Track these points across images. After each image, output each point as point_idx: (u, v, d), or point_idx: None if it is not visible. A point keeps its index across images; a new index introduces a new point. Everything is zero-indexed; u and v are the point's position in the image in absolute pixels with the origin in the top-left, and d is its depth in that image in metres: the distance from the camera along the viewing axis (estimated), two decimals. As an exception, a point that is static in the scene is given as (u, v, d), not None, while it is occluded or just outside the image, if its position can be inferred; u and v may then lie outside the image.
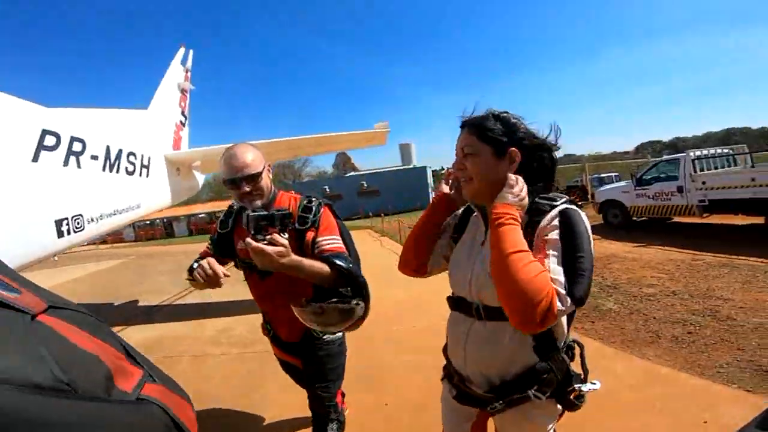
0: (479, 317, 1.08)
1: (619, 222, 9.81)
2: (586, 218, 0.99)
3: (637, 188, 9.28)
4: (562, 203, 1.01)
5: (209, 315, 5.65)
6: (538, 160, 1.08)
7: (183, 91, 7.41)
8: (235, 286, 2.19)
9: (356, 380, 2.77)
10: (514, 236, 0.95)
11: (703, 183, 8.07)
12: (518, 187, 1.01)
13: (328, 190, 26.88)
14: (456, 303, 1.17)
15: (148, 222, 30.71)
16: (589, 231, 0.98)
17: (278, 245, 1.29)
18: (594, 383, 1.11)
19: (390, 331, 4.13)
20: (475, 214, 1.22)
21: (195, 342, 4.71)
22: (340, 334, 1.75)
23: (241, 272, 1.74)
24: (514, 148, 1.05)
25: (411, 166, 29.65)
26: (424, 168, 28.27)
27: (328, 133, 6.03)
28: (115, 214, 4.44)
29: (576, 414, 1.14)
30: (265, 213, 1.32)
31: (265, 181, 1.55)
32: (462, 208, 1.29)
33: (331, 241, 1.54)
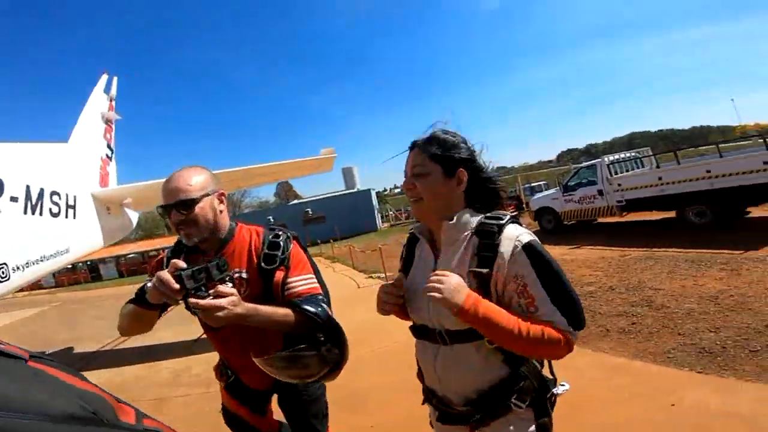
0: (444, 342, 1.07)
1: (552, 227, 10.59)
2: (533, 236, 1.03)
3: (564, 195, 10.13)
4: (507, 221, 1.03)
5: (160, 357, 5.19)
6: (481, 180, 1.11)
7: (108, 121, 6.84)
8: (183, 324, 2.05)
9: (335, 405, 2.69)
10: (498, 317, 0.96)
11: (619, 185, 9.01)
12: (449, 280, 0.98)
13: (272, 219, 26.12)
14: (419, 331, 1.16)
15: (69, 266, 27.59)
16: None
17: (226, 295, 1.14)
18: (563, 384, 1.14)
19: (358, 354, 4.05)
20: (420, 242, 1.21)
21: (151, 385, 4.35)
22: None
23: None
24: (461, 169, 1.07)
25: (355, 190, 29.82)
26: (368, 191, 28.53)
27: (272, 162, 5.92)
28: (42, 261, 3.98)
29: (555, 417, 1.14)
30: (197, 267, 1.14)
31: (205, 211, 1.30)
32: (406, 239, 1.29)
33: (305, 282, 1.36)
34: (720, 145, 8.13)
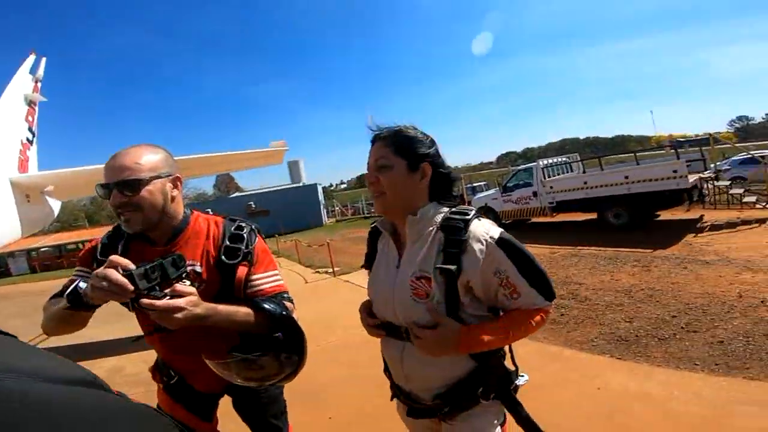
0: (409, 339, 1.05)
1: (493, 225, 11.17)
2: (499, 228, 1.05)
3: (503, 195, 10.73)
4: (473, 216, 1.04)
5: (90, 356, 4.76)
6: (443, 175, 1.11)
7: (31, 103, 6.14)
8: (114, 321, 1.93)
9: (290, 400, 2.70)
10: (490, 337, 1.00)
11: (551, 187, 9.70)
12: (433, 337, 0.99)
13: (212, 212, 24.77)
14: (384, 328, 1.13)
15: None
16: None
17: (184, 295, 1.02)
18: (523, 375, 1.16)
19: (310, 349, 4.03)
20: (383, 236, 1.19)
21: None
22: None
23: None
24: (426, 163, 1.06)
25: (301, 184, 29.13)
26: (314, 185, 27.96)
27: (217, 152, 5.65)
28: (-50, 252, 3.49)
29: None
30: (150, 265, 1.00)
31: (153, 196, 1.13)
32: (369, 233, 1.27)
33: (271, 279, 1.27)
34: (637, 154, 9.09)
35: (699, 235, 7.03)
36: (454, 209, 1.07)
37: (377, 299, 1.15)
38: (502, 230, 1.03)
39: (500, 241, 0.99)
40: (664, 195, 7.96)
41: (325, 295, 6.47)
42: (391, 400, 1.26)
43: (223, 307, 1.12)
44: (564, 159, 11.22)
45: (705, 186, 8.70)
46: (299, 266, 10.02)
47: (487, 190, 18.17)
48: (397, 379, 1.17)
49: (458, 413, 1.08)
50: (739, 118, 60.33)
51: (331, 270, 8.21)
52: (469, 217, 1.03)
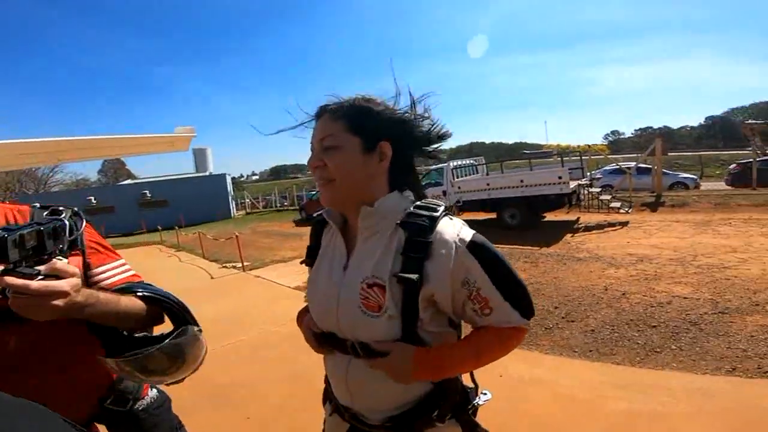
0: (356, 354, 0.86)
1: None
2: (470, 230, 0.86)
3: (417, 194, 11.19)
4: (442, 214, 0.85)
5: None
6: (406, 157, 0.92)
7: None
8: None
9: (203, 402, 2.62)
10: (451, 362, 0.85)
11: (459, 187, 10.40)
12: (390, 358, 0.81)
13: (94, 201, 21.65)
14: (326, 339, 0.93)
15: None
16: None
17: (67, 276, 0.77)
18: (485, 393, 1.01)
19: (219, 348, 3.77)
20: (329, 228, 0.98)
21: None
22: (157, 390, 1.19)
23: None
24: (385, 141, 0.85)
25: (207, 174, 26.92)
26: (223, 176, 25.95)
27: (115, 134, 4.90)
28: None
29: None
30: (28, 229, 0.76)
31: None
32: (313, 223, 1.07)
33: (120, 270, 1.04)
34: (532, 160, 10.18)
35: (575, 234, 8.05)
36: (419, 203, 0.87)
37: (317, 306, 0.95)
38: (475, 232, 0.84)
39: (472, 245, 0.81)
40: (550, 198, 9.00)
41: (233, 292, 6.11)
42: (330, 415, 1.06)
43: (104, 295, 0.88)
44: (471, 161, 12.09)
45: (582, 192, 10.08)
46: (203, 261, 9.26)
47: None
48: (340, 398, 0.97)
49: None
50: (612, 133, 71.18)
51: (239, 265, 7.76)
52: (438, 213, 0.84)
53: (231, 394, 2.89)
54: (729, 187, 12.27)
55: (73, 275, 0.79)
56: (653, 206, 9.63)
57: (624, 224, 8.33)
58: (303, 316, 1.02)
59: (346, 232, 0.93)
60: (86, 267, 0.98)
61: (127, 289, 0.95)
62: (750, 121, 14.01)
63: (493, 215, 10.05)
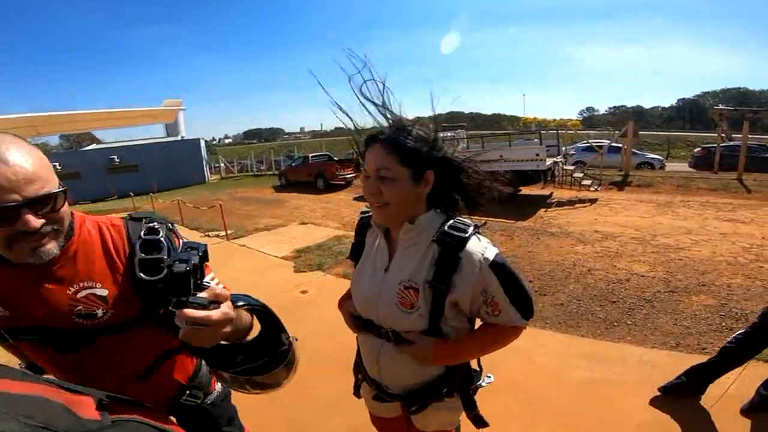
0: (388, 339, 1.08)
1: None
2: (498, 251, 1.02)
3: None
4: (471, 234, 1.00)
5: None
6: (448, 179, 1.04)
7: None
8: None
9: None
10: (463, 351, 1.08)
11: (440, 160, 10.67)
12: (417, 347, 1.04)
13: (59, 166, 20.52)
14: (364, 324, 1.14)
15: None
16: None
17: (223, 299, 0.79)
18: (489, 376, 1.22)
19: None
20: (372, 231, 1.17)
21: None
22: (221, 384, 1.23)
23: None
24: (430, 171, 1.00)
25: (179, 138, 25.73)
26: (197, 140, 24.77)
27: (101, 109, 4.74)
28: None
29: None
30: (192, 255, 0.81)
31: (65, 209, 0.85)
32: (357, 223, 1.26)
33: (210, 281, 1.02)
34: (511, 135, 10.47)
35: (548, 210, 8.47)
36: (452, 223, 1.03)
37: (360, 298, 1.15)
38: (497, 251, 1.01)
39: (494, 265, 0.98)
40: (527, 174, 9.46)
41: (221, 262, 6.08)
42: (358, 384, 1.31)
43: (237, 313, 0.87)
44: (452, 133, 12.27)
45: (556, 168, 10.52)
46: (183, 229, 9.00)
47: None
48: (370, 372, 1.20)
49: (423, 409, 1.15)
50: (587, 109, 72.58)
51: (223, 233, 7.71)
52: (467, 234, 0.99)
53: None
54: (692, 170, 12.97)
55: (227, 298, 0.81)
56: (620, 185, 10.19)
57: (593, 201, 8.81)
58: (344, 302, 1.25)
59: (388, 238, 1.11)
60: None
61: (234, 301, 0.91)
62: (720, 106, 14.60)
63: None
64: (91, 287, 0.89)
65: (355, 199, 11.73)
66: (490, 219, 7.97)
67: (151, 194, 13.35)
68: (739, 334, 2.11)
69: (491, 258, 0.99)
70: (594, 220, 7.27)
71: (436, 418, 1.19)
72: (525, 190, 10.50)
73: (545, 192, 10.31)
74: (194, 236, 8.06)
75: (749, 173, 9.98)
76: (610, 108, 67.02)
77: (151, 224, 0.95)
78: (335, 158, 14.92)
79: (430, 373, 1.11)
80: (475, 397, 1.20)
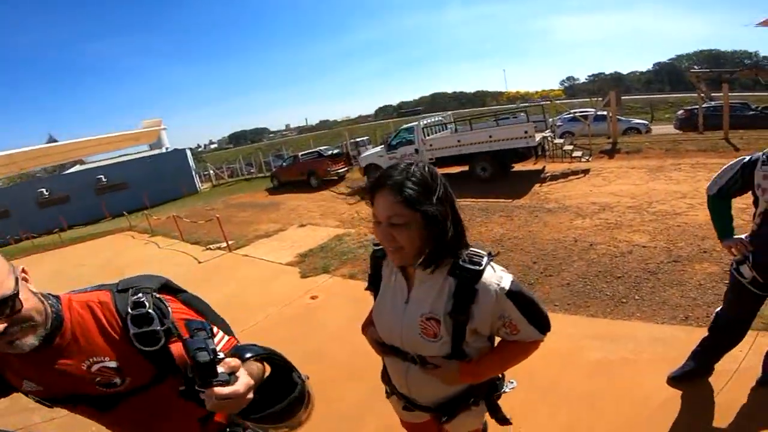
0: (414, 362, 1.15)
1: (379, 182, 11.92)
2: (511, 275, 1.07)
3: (388, 153, 11.45)
4: (485, 266, 1.04)
5: None
6: (454, 220, 1.07)
7: None
8: None
9: None
10: (487, 370, 1.15)
11: (431, 145, 10.74)
12: (443, 370, 1.11)
13: (47, 192, 20.28)
14: (390, 348, 1.20)
15: None
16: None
17: (238, 367, 0.82)
18: (512, 382, 1.30)
19: (241, 334, 3.95)
20: (390, 265, 1.20)
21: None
22: None
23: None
24: (439, 213, 1.03)
25: (164, 150, 25.30)
26: (183, 150, 24.32)
27: (81, 138, 4.68)
28: None
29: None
30: (209, 341, 0.80)
31: (30, 299, 0.84)
32: (371, 255, 1.31)
33: (219, 338, 1.01)
34: (499, 114, 10.47)
35: (543, 185, 8.51)
36: (466, 255, 1.06)
37: (384, 329, 1.21)
38: (513, 279, 1.06)
39: (510, 294, 1.03)
40: (518, 151, 9.57)
41: (227, 275, 6.13)
42: (390, 396, 1.38)
43: (250, 370, 0.89)
44: (440, 118, 12.32)
45: (546, 142, 10.57)
46: (183, 244, 9.01)
47: (368, 144, 18.87)
48: (399, 388, 1.28)
49: (456, 417, 1.24)
50: (568, 79, 72.42)
51: (224, 245, 7.72)
52: (482, 267, 1.04)
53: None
54: (678, 132, 13.06)
55: (239, 366, 0.83)
56: (610, 153, 10.24)
57: (586, 172, 8.86)
58: (367, 328, 1.30)
59: (404, 272, 1.15)
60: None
61: (236, 355, 0.91)
62: (695, 69, 14.73)
63: (464, 168, 10.49)
64: (100, 361, 0.93)
65: (351, 194, 11.71)
66: (488, 200, 8.13)
67: (145, 212, 13.25)
68: (719, 310, 2.13)
69: (507, 287, 1.03)
70: (589, 191, 7.32)
71: (464, 423, 1.28)
72: (517, 167, 10.57)
73: (538, 167, 10.37)
74: (196, 251, 8.12)
75: (735, 131, 10.08)
76: (589, 76, 67.15)
77: (136, 297, 0.95)
78: (325, 154, 14.83)
79: (457, 388, 1.19)
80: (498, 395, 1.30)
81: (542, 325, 1.10)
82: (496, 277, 1.04)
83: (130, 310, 0.93)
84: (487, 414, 1.30)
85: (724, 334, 2.09)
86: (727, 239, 1.97)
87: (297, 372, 1.06)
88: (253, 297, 4.90)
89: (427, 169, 1.04)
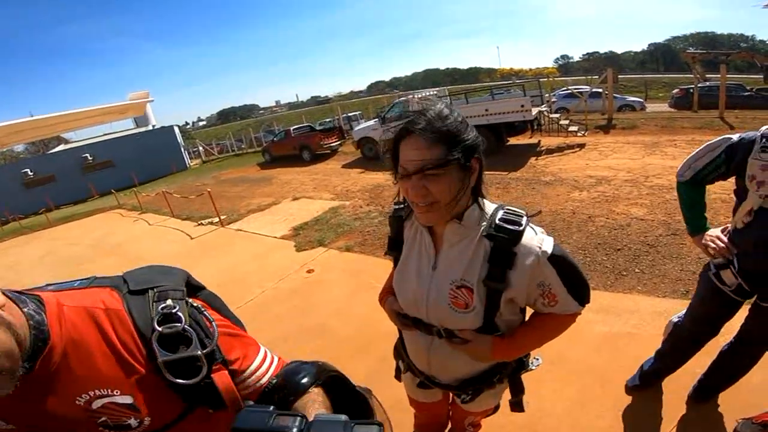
0: (440, 336, 1.03)
1: (373, 154, 11.84)
2: (551, 239, 0.94)
3: (383, 126, 11.27)
4: (525, 226, 0.93)
5: None
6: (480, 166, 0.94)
7: None
8: None
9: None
10: (522, 346, 1.04)
11: (424, 118, 10.62)
12: (473, 345, 0.99)
13: (31, 173, 19.70)
14: (412, 321, 1.07)
15: None
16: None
17: None
18: (537, 359, 1.20)
19: (236, 313, 3.89)
20: (415, 226, 1.07)
21: None
22: None
23: None
24: (475, 158, 0.90)
25: (151, 127, 24.61)
26: (171, 127, 23.71)
27: (64, 111, 4.46)
28: None
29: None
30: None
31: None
32: (390, 217, 1.15)
33: (268, 363, 0.81)
34: (492, 88, 10.32)
35: (539, 158, 8.48)
36: (503, 215, 0.95)
37: (408, 298, 1.06)
38: (554, 242, 0.94)
39: (553, 258, 0.91)
40: (513, 125, 9.53)
41: (220, 250, 6.01)
42: (405, 372, 1.27)
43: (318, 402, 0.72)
44: (434, 92, 12.11)
45: (541, 117, 10.48)
46: (174, 220, 8.83)
47: (361, 119, 18.59)
48: (419, 365, 1.16)
49: (480, 394, 1.15)
50: (562, 57, 72.36)
51: (216, 220, 7.58)
52: (521, 228, 0.92)
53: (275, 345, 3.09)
54: (672, 110, 13.20)
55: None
56: (606, 128, 10.19)
57: (581, 146, 8.82)
58: (386, 298, 1.16)
59: (432, 233, 1.01)
60: (235, 373, 0.74)
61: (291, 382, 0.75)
62: (691, 50, 14.78)
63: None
64: (106, 395, 0.66)
65: (344, 166, 11.57)
66: (486, 172, 7.97)
67: (134, 189, 12.97)
68: (678, 320, 1.86)
69: (549, 251, 0.91)
70: (585, 165, 7.29)
71: (481, 403, 1.19)
72: (513, 141, 10.50)
73: (533, 141, 10.29)
74: (188, 226, 7.98)
75: (730, 111, 10.09)
76: (584, 55, 66.90)
77: (165, 305, 0.68)
78: (317, 128, 14.59)
79: (484, 365, 1.09)
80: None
81: (582, 296, 0.98)
82: (537, 239, 0.92)
83: (157, 326, 0.66)
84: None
85: (684, 349, 1.86)
86: (700, 235, 1.63)
87: (358, 388, 0.86)
88: (248, 272, 4.81)
89: (453, 108, 0.90)
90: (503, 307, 0.97)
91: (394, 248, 1.13)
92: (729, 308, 1.61)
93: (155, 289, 0.70)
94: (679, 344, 1.86)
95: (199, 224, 7.94)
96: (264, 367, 0.78)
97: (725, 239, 1.53)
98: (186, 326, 0.67)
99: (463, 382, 1.12)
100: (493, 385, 1.13)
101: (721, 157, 1.46)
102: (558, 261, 0.92)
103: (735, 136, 1.44)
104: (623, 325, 2.65)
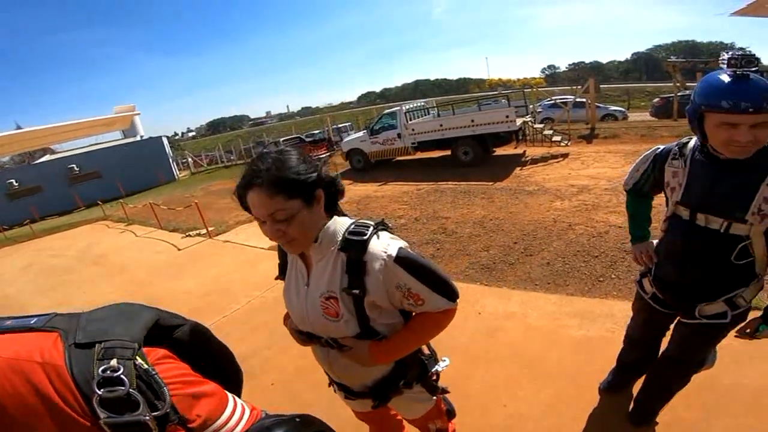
0: (331, 347, 1.12)
1: (362, 166, 11.96)
2: (401, 242, 1.05)
3: (371, 137, 11.46)
4: (370, 236, 1.02)
5: None
6: (330, 189, 1.06)
7: None
8: None
9: None
10: (400, 347, 1.11)
11: (413, 129, 10.79)
12: (353, 351, 1.08)
13: (17, 183, 19.35)
14: (307, 336, 1.16)
15: None
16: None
17: None
18: (444, 360, 1.27)
19: (220, 321, 3.84)
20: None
21: None
22: None
23: None
24: (318, 189, 1.00)
25: (139, 138, 24.43)
26: (159, 138, 23.57)
27: (51, 124, 4.45)
28: None
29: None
30: None
31: None
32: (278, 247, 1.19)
33: (236, 413, 0.69)
34: (479, 99, 10.54)
35: (524, 168, 8.64)
36: (352, 228, 1.05)
37: (294, 314, 1.17)
38: (401, 245, 1.03)
39: (398, 259, 1.00)
40: (499, 135, 9.73)
41: (208, 261, 6.00)
42: (329, 385, 1.35)
43: None
44: (422, 104, 12.41)
45: (526, 127, 10.72)
46: (162, 232, 8.78)
47: (351, 130, 18.75)
48: (331, 376, 1.26)
49: (387, 402, 1.23)
50: (549, 67, 73.64)
51: (204, 231, 7.55)
52: (367, 236, 1.01)
53: (245, 364, 3.07)
54: (653, 119, 13.58)
55: None
56: (588, 138, 10.46)
57: (565, 156, 9.03)
58: (287, 318, 1.26)
59: (302, 255, 1.12)
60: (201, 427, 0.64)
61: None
62: (672, 59, 15.20)
63: (446, 152, 10.58)
64: None
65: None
66: (470, 183, 8.20)
67: (121, 200, 12.84)
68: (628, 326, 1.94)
69: (394, 254, 1.00)
70: (568, 174, 7.46)
71: (410, 408, 1.29)
72: (499, 151, 10.70)
73: (518, 151, 10.50)
74: (175, 238, 7.93)
75: (709, 120, 10.43)
76: (570, 64, 68.51)
77: (106, 367, 0.56)
78: (307, 140, 14.68)
79: (380, 369, 1.16)
80: (466, 372, 1.27)
81: (446, 292, 1.06)
82: (382, 244, 1.01)
83: (96, 389, 0.55)
84: (445, 397, 1.30)
85: (636, 354, 1.94)
86: (636, 244, 1.67)
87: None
88: (236, 282, 4.81)
89: (282, 149, 1.00)
90: (370, 311, 1.05)
91: (282, 273, 1.23)
92: (653, 316, 1.68)
93: (102, 344, 0.59)
94: (627, 349, 1.99)
95: (186, 235, 7.92)
96: (233, 420, 0.69)
97: (649, 250, 1.60)
98: (130, 391, 0.56)
99: (372, 389, 1.19)
100: (399, 390, 1.20)
101: (650, 166, 1.52)
102: (405, 262, 1.00)
103: (661, 147, 1.50)
104: (598, 329, 2.70)
